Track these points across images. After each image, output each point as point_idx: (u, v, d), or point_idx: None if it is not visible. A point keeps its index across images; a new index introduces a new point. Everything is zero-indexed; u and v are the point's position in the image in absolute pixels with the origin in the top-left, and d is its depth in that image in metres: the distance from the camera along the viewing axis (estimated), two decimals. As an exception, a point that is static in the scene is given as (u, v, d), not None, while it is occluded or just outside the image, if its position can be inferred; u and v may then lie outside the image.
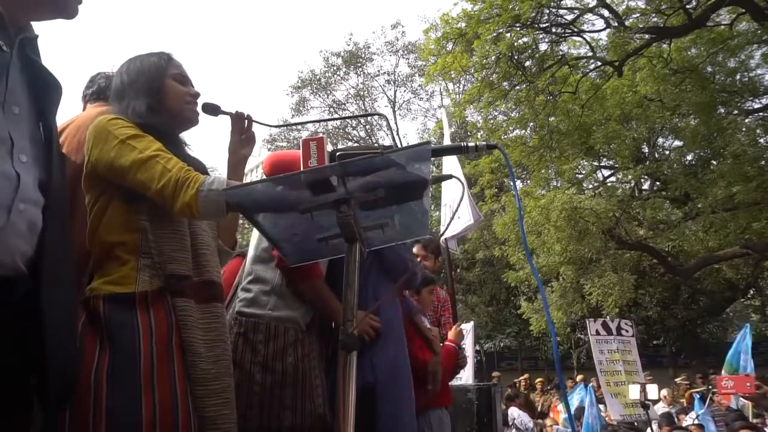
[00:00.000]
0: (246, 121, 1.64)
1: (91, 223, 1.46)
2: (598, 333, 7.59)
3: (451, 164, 5.60)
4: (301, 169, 1.19)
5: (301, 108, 21.72)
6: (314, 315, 1.95)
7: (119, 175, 1.41)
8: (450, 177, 3.00)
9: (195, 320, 1.42)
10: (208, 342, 1.43)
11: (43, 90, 1.23)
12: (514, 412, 7.65)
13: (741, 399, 7.39)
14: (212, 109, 1.58)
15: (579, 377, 10.82)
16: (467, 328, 6.56)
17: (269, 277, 1.93)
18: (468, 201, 5.42)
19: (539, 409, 9.94)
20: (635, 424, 6.72)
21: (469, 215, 5.37)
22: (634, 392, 6.43)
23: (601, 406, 7.64)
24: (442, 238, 5.20)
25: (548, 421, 8.35)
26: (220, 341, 1.47)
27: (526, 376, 12.30)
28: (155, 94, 1.55)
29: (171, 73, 1.59)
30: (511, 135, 13.02)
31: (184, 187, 1.35)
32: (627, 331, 7.76)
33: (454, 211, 5.45)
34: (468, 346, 5.65)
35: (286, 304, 1.89)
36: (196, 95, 1.62)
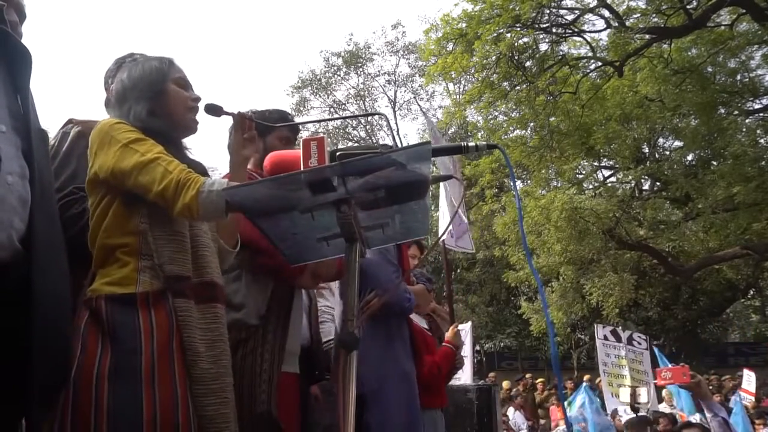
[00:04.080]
0: (248, 121, 1.64)
1: (93, 226, 1.48)
2: (606, 338, 7.68)
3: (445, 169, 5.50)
4: (302, 168, 1.19)
5: (301, 108, 21.68)
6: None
7: (121, 178, 1.42)
8: (450, 177, 3.00)
9: (195, 320, 1.43)
10: (208, 341, 1.44)
11: (14, 59, 1.20)
12: (510, 413, 7.69)
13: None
14: (214, 110, 1.58)
15: (586, 377, 10.74)
16: (465, 328, 6.55)
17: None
18: (449, 212, 5.25)
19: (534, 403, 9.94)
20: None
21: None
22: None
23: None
24: (440, 239, 5.15)
25: (561, 424, 8.33)
26: (220, 341, 1.48)
27: (528, 375, 12.27)
28: (157, 98, 1.55)
29: (173, 77, 1.60)
30: (511, 135, 13.00)
31: (185, 188, 1.36)
32: (640, 344, 7.85)
33: (452, 215, 5.37)
34: (466, 346, 5.63)
35: (231, 307, 1.82)
36: (197, 99, 1.63)
